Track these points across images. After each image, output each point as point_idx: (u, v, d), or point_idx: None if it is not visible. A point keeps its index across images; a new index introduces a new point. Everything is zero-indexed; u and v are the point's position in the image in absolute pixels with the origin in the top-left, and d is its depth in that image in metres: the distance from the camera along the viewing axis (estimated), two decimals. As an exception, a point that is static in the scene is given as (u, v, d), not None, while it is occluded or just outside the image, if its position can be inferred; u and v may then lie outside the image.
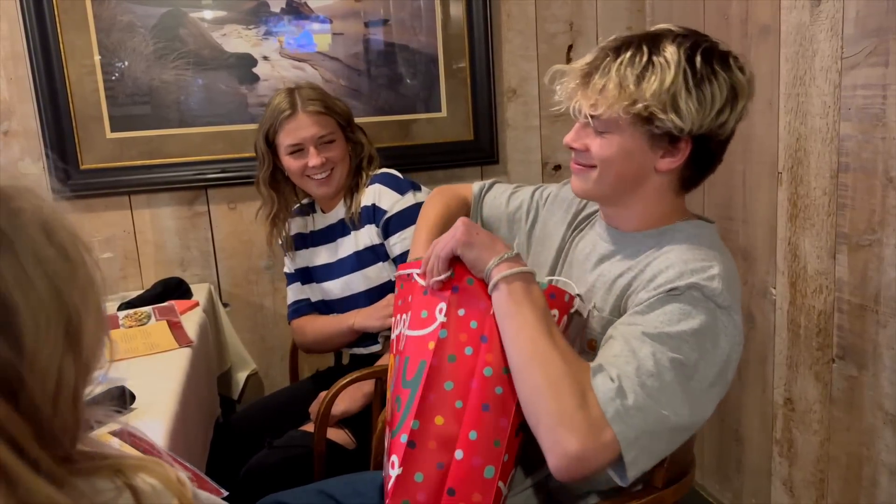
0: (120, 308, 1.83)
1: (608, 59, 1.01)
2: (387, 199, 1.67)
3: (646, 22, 2.24)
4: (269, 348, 2.20)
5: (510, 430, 0.99)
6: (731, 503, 2.01)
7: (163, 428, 1.17)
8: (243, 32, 2.02)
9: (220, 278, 2.13)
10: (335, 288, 1.76)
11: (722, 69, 0.99)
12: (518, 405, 0.98)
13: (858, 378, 1.51)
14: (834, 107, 1.50)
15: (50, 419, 0.46)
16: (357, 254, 1.71)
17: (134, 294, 1.94)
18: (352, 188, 1.73)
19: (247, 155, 1.87)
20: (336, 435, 1.60)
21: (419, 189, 1.70)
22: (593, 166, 1.05)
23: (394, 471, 0.98)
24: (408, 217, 1.65)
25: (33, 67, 1.90)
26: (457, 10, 2.13)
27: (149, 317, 1.73)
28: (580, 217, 1.23)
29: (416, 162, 2.12)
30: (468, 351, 1.01)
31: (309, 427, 1.63)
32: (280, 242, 1.83)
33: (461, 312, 1.03)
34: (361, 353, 1.78)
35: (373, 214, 1.68)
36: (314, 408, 1.65)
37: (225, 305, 2.11)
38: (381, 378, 1.55)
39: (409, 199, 1.66)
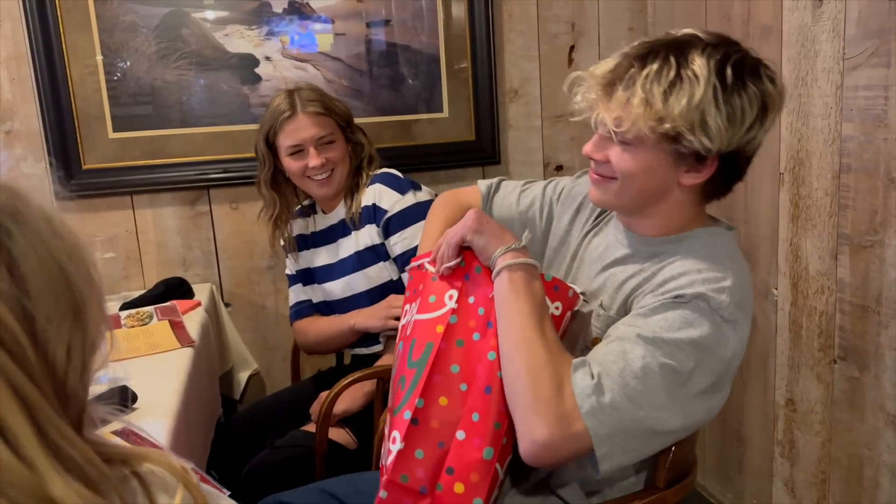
0: (122, 308, 1.83)
1: (633, 69, 0.95)
2: (387, 199, 1.67)
3: (647, 23, 2.24)
4: (270, 348, 2.20)
5: (510, 414, 1.00)
6: (733, 504, 2.02)
7: (165, 427, 1.17)
8: (245, 33, 2.03)
9: (221, 278, 2.13)
10: (336, 288, 1.76)
11: (753, 82, 0.95)
12: None
13: (860, 379, 1.51)
14: (836, 107, 1.50)
15: (62, 386, 0.47)
16: (358, 254, 1.71)
17: (136, 294, 1.94)
18: (352, 188, 1.73)
19: (249, 155, 1.87)
20: (337, 435, 1.61)
21: (419, 188, 1.71)
22: (614, 178, 1.02)
23: (394, 446, 0.99)
24: (408, 216, 1.65)
25: (36, 67, 1.90)
26: (458, 11, 2.14)
27: (151, 316, 1.74)
28: (595, 214, 1.20)
29: (418, 162, 2.13)
30: (476, 336, 1.04)
31: (310, 427, 1.63)
32: (282, 244, 1.83)
33: (471, 300, 1.06)
34: (363, 353, 1.78)
35: (373, 214, 1.68)
36: (316, 408, 1.65)
37: (227, 305, 2.12)
38: (382, 378, 1.55)
39: (410, 198, 1.67)
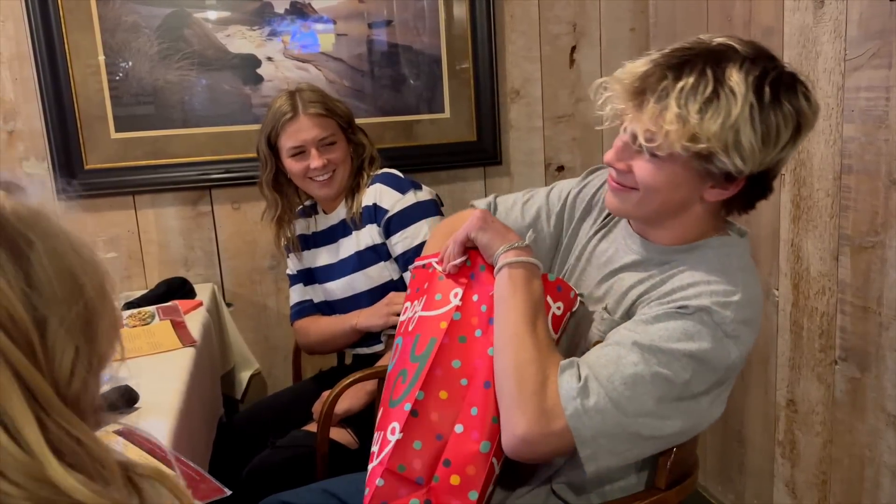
0: (124, 308, 1.84)
1: (666, 81, 0.90)
2: (388, 199, 1.67)
3: (649, 23, 2.24)
4: (272, 348, 2.20)
5: None
6: (734, 504, 2.02)
7: (167, 427, 1.17)
8: (247, 33, 2.03)
9: (223, 278, 2.14)
10: (337, 288, 1.76)
11: (789, 100, 0.91)
12: None
13: (861, 380, 1.51)
14: (837, 108, 1.50)
15: (66, 388, 0.49)
16: (358, 253, 1.72)
17: (138, 294, 1.94)
18: (353, 189, 1.73)
19: (250, 155, 1.87)
20: (339, 434, 1.61)
21: (420, 188, 1.71)
22: (635, 189, 0.99)
23: (393, 436, 1.00)
24: (409, 216, 1.65)
25: (38, 67, 1.90)
26: (460, 12, 2.14)
27: (152, 316, 1.74)
28: (603, 216, 1.18)
29: (419, 163, 2.13)
30: (478, 333, 1.05)
31: (312, 427, 1.63)
32: (285, 244, 1.83)
33: (475, 298, 1.08)
34: (364, 352, 1.78)
35: (374, 214, 1.68)
36: (317, 407, 1.66)
37: (228, 305, 2.12)
38: (383, 378, 1.55)
39: (410, 197, 1.67)
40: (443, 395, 1.02)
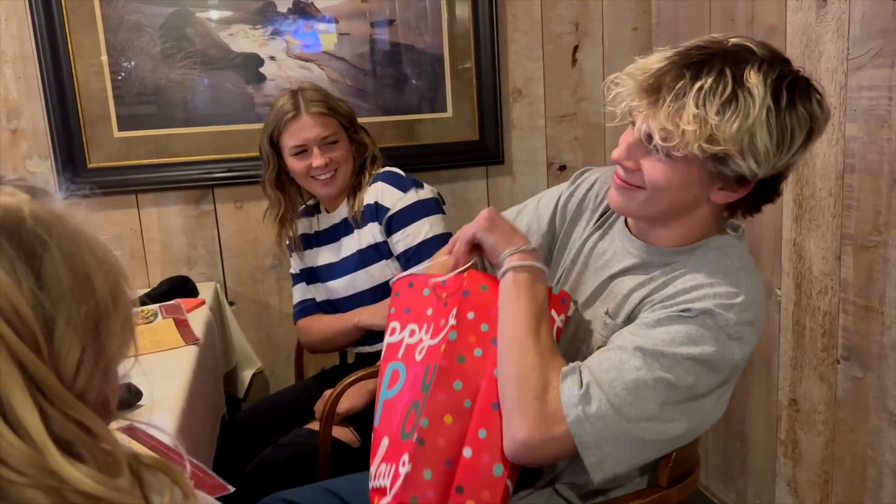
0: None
1: (683, 80, 0.89)
2: (389, 197, 1.67)
3: (651, 23, 2.24)
4: (274, 347, 2.21)
5: None
6: (735, 504, 2.02)
7: (170, 425, 1.17)
8: (250, 32, 2.03)
9: (226, 277, 2.14)
10: (339, 287, 1.77)
11: (803, 105, 0.91)
12: None
13: (863, 379, 1.51)
14: (840, 108, 1.50)
15: (70, 385, 0.50)
16: (360, 252, 1.72)
17: (140, 292, 1.95)
18: (355, 187, 1.74)
19: (253, 154, 1.88)
20: (341, 433, 1.61)
21: (421, 186, 1.71)
22: (641, 187, 0.98)
23: (403, 468, 0.98)
24: (410, 214, 1.65)
25: (41, 67, 1.91)
26: (462, 11, 2.14)
27: (155, 315, 1.74)
28: (597, 216, 1.17)
29: (421, 162, 2.13)
30: (478, 353, 1.03)
31: (314, 425, 1.64)
32: (288, 243, 1.83)
33: (471, 315, 1.05)
34: (366, 351, 1.78)
35: (375, 212, 1.69)
36: (319, 406, 1.66)
37: (231, 304, 2.12)
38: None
39: (412, 196, 1.67)
40: (447, 419, 0.99)
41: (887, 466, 1.47)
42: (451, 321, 1.04)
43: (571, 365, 0.97)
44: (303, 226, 1.84)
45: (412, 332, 1.12)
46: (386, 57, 2.12)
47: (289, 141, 1.66)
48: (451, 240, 1.13)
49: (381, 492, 1.01)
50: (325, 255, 1.80)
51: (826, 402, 1.63)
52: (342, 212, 1.75)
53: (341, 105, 1.72)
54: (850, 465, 1.58)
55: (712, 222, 1.04)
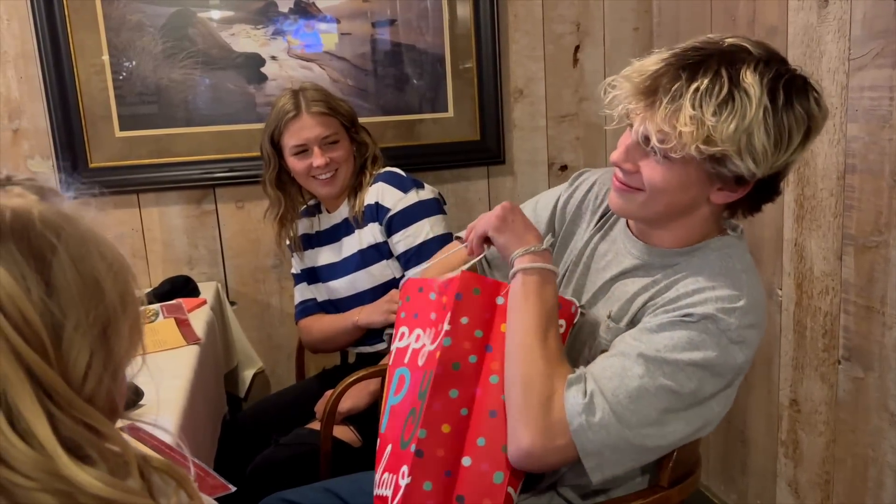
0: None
1: (679, 81, 0.89)
2: (390, 197, 1.67)
3: (652, 23, 2.24)
4: (275, 346, 2.21)
5: None
6: (736, 504, 2.02)
7: (171, 424, 1.18)
8: (251, 32, 2.03)
9: (227, 277, 2.14)
10: (340, 287, 1.77)
11: (801, 104, 0.91)
12: None
13: (864, 380, 1.51)
14: (841, 108, 1.50)
15: (78, 390, 0.50)
16: (361, 252, 1.72)
17: (142, 292, 1.95)
18: (355, 187, 1.74)
19: (254, 154, 1.88)
20: (342, 433, 1.61)
21: (422, 187, 1.71)
22: (640, 189, 0.98)
23: (403, 480, 0.98)
24: (411, 214, 1.65)
25: (43, 66, 1.91)
26: (464, 11, 2.14)
27: (157, 314, 1.74)
28: (598, 216, 1.16)
29: (423, 162, 2.13)
30: (472, 359, 1.02)
31: (315, 425, 1.64)
32: (288, 243, 1.84)
33: (464, 321, 1.03)
34: (367, 351, 1.78)
35: (376, 212, 1.69)
36: (320, 406, 1.66)
37: (232, 304, 2.12)
38: (385, 377, 1.56)
39: (412, 196, 1.67)
40: (445, 428, 0.99)
41: (888, 467, 1.47)
42: (446, 326, 1.03)
43: (577, 373, 0.97)
44: (304, 226, 1.84)
45: (418, 338, 1.11)
46: (387, 57, 2.13)
47: (290, 140, 1.66)
48: (467, 228, 1.13)
49: (384, 500, 1.01)
50: (326, 255, 1.80)
51: (827, 402, 1.63)
52: (343, 212, 1.76)
53: (342, 105, 1.73)
54: (851, 465, 1.58)
55: (713, 223, 1.04)
